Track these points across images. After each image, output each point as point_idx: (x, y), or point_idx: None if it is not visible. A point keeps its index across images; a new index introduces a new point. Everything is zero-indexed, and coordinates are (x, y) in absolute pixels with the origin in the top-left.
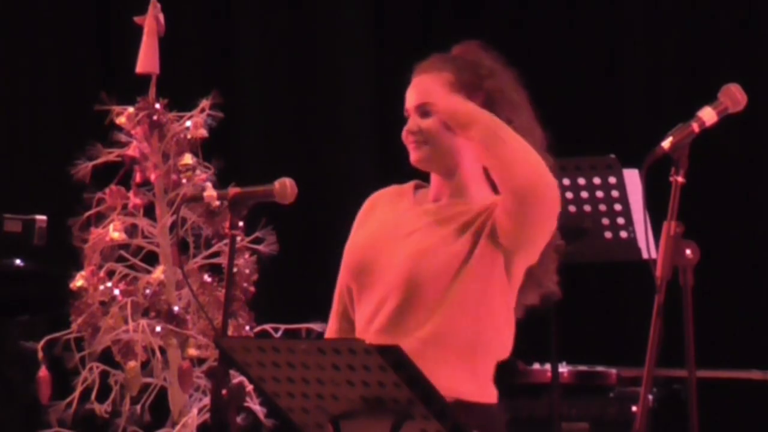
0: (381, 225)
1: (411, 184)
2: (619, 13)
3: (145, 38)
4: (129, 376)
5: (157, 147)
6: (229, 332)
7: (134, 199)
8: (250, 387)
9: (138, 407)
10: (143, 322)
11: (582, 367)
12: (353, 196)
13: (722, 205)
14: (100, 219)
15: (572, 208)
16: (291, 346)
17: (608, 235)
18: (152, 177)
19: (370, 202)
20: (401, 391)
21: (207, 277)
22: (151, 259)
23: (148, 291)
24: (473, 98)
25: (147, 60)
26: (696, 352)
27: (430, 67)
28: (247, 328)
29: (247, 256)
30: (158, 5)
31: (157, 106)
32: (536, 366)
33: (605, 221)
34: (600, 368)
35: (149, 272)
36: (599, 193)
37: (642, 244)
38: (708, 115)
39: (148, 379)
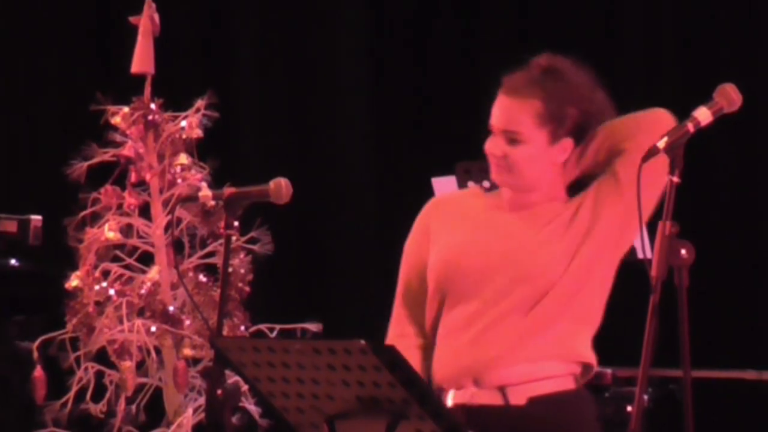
0: (472, 227)
1: (478, 187)
2: (619, 12)
3: (140, 38)
4: (124, 376)
5: (152, 147)
6: (225, 332)
7: (129, 199)
8: (245, 387)
9: (133, 407)
10: (138, 322)
11: None
12: (349, 196)
13: (717, 205)
14: (95, 219)
15: None
16: (286, 346)
17: None
18: (147, 177)
19: (435, 206)
20: (396, 391)
21: (202, 277)
22: (147, 259)
23: (143, 291)
24: (560, 128)
25: (142, 60)
26: (691, 352)
27: (520, 91)
28: (243, 328)
29: (242, 256)
30: (153, 5)
31: (153, 106)
32: None
33: None
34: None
35: (144, 272)
36: None
37: (637, 243)
38: (703, 115)
39: (144, 379)
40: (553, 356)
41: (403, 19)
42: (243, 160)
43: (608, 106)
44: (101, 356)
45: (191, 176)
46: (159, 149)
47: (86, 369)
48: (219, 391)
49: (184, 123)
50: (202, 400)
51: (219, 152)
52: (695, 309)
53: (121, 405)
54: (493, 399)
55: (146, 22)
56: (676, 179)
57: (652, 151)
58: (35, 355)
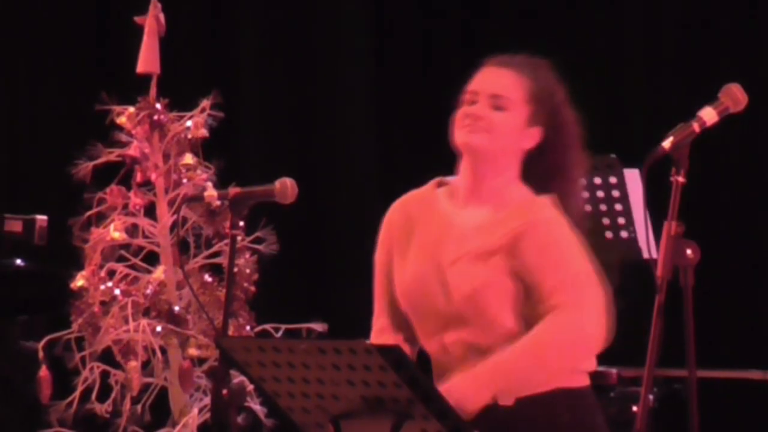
0: (422, 252)
1: (432, 184)
2: (620, 12)
3: (145, 38)
4: (129, 376)
5: (157, 147)
6: (230, 332)
7: (135, 199)
8: (250, 387)
9: (138, 407)
10: (144, 321)
11: None
12: (353, 196)
13: (723, 205)
14: (100, 219)
15: None
16: (291, 346)
17: (609, 234)
18: (153, 177)
19: (398, 215)
20: (401, 390)
21: (207, 277)
22: (152, 259)
23: (148, 291)
24: (540, 113)
25: (147, 60)
26: (696, 352)
27: (513, 63)
28: (248, 327)
29: (247, 255)
30: (159, 5)
31: (158, 106)
32: None
33: (606, 221)
34: (600, 368)
35: (150, 272)
36: (600, 193)
37: (642, 243)
38: (709, 114)
39: (149, 379)
40: None
41: (405, 19)
42: (248, 160)
43: (574, 116)
44: (106, 356)
45: (197, 176)
46: (164, 149)
47: (91, 369)
48: (224, 391)
49: (189, 123)
50: (207, 400)
51: (224, 152)
52: (700, 309)
53: (127, 405)
54: None
55: (152, 22)
56: (681, 179)
57: (658, 152)
58: (40, 354)
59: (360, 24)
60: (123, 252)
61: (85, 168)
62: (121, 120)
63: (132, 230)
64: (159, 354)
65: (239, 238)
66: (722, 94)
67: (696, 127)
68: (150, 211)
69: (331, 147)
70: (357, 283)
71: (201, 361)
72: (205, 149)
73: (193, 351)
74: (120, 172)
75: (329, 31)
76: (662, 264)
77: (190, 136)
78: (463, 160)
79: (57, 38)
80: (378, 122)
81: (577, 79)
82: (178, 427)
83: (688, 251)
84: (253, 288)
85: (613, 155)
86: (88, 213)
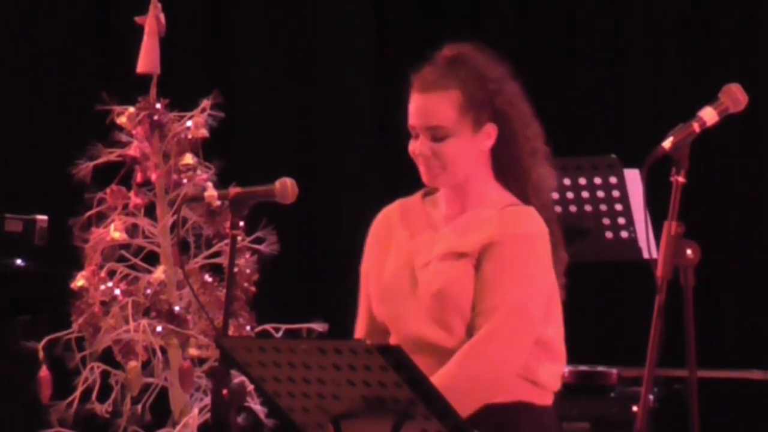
0: (398, 257)
1: (419, 195)
2: (620, 12)
3: (145, 38)
4: (130, 376)
5: (157, 147)
6: (230, 332)
7: (135, 199)
8: (250, 387)
9: (139, 407)
10: (144, 322)
11: (583, 367)
12: (354, 196)
13: (723, 205)
14: (100, 219)
15: (573, 208)
16: (292, 346)
17: (609, 235)
18: (153, 177)
19: (381, 223)
20: (402, 390)
21: (208, 277)
22: (152, 259)
23: (148, 291)
24: (482, 114)
25: (148, 60)
26: (697, 352)
27: (435, 84)
28: (248, 328)
29: (247, 255)
30: (159, 5)
31: (158, 106)
32: None
33: (606, 221)
34: (601, 368)
35: (150, 272)
36: (600, 193)
37: (643, 244)
38: (709, 115)
39: (149, 379)
40: None
41: (405, 20)
42: (248, 160)
43: (523, 98)
44: (107, 356)
45: (197, 176)
46: (164, 149)
47: (92, 369)
48: (224, 391)
49: (189, 123)
50: (207, 400)
51: (224, 152)
52: (701, 309)
53: (127, 405)
54: None
55: (152, 22)
56: (681, 179)
57: (658, 152)
58: (41, 354)
59: (360, 24)
60: (123, 252)
61: (85, 168)
62: (122, 120)
63: (132, 230)
64: (159, 354)
65: (239, 238)
66: (722, 94)
67: (696, 127)
68: (150, 211)
69: (331, 147)
70: (357, 283)
71: (201, 361)
72: (206, 149)
73: (193, 351)
74: (120, 172)
75: (329, 31)
76: (662, 264)
77: (190, 136)
78: None
79: (57, 38)
80: (378, 122)
81: (578, 79)
82: (178, 428)
83: (689, 251)
84: (253, 288)
85: (613, 155)
86: (89, 213)
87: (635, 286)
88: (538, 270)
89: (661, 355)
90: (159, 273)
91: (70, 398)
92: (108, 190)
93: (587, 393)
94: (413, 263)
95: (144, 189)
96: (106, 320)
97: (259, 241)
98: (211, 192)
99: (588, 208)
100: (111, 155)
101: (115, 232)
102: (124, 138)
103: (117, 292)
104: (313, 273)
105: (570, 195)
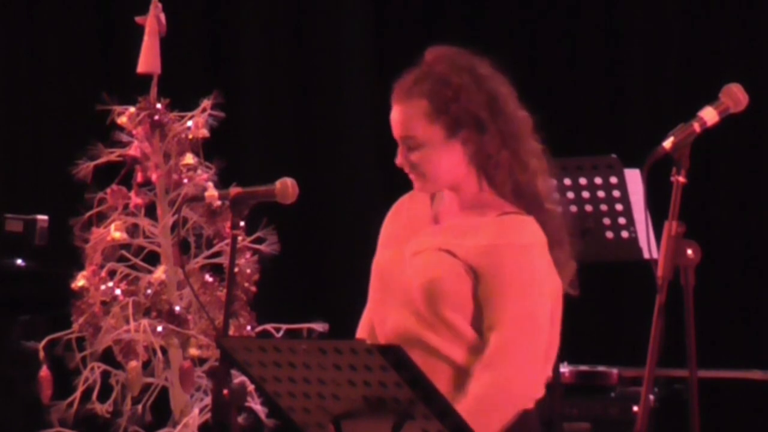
0: (396, 242)
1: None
2: (620, 12)
3: (146, 38)
4: (130, 376)
5: (158, 147)
6: (231, 332)
7: (135, 199)
8: (251, 387)
9: (139, 407)
10: (144, 321)
11: (583, 367)
12: (354, 195)
13: (723, 205)
14: (101, 219)
15: (574, 208)
16: (292, 346)
17: (609, 235)
18: (153, 177)
19: (392, 217)
20: (403, 390)
21: (208, 277)
22: (153, 259)
23: (149, 291)
24: (452, 120)
25: (148, 60)
26: (697, 352)
27: (407, 94)
28: (249, 327)
29: (248, 255)
30: (159, 5)
31: (159, 106)
32: None
33: (606, 221)
34: (601, 368)
35: (150, 272)
36: (600, 193)
37: (643, 244)
38: (709, 114)
39: (150, 379)
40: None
41: (407, 20)
42: (249, 160)
43: (500, 93)
44: (107, 356)
45: (197, 176)
46: (165, 149)
47: (92, 369)
48: (225, 391)
49: (190, 123)
50: (208, 400)
51: (225, 152)
52: (701, 309)
53: (127, 405)
54: None
55: (152, 22)
56: (682, 179)
57: (658, 152)
58: (41, 354)
59: (360, 24)
60: (124, 252)
61: (85, 168)
62: (122, 120)
63: (133, 230)
64: (160, 354)
65: (240, 238)
66: (723, 94)
67: (696, 127)
68: (150, 211)
69: (332, 147)
70: (357, 283)
71: (202, 361)
72: (206, 149)
73: (193, 351)
74: (120, 172)
75: (329, 31)
76: (663, 264)
77: (190, 136)
78: None
79: (57, 38)
80: (378, 122)
81: (579, 79)
82: (178, 428)
83: (689, 251)
84: (253, 288)
85: (613, 155)
86: (89, 213)
87: (635, 286)
88: (540, 278)
89: (661, 355)
90: (159, 273)
91: (70, 398)
92: (108, 190)
93: (587, 393)
94: (405, 250)
95: (144, 189)
96: (106, 320)
97: (259, 241)
98: (211, 192)
99: (588, 208)
100: (111, 155)
101: (115, 232)
102: (124, 138)
103: (117, 292)
104: (313, 273)
105: (570, 195)
